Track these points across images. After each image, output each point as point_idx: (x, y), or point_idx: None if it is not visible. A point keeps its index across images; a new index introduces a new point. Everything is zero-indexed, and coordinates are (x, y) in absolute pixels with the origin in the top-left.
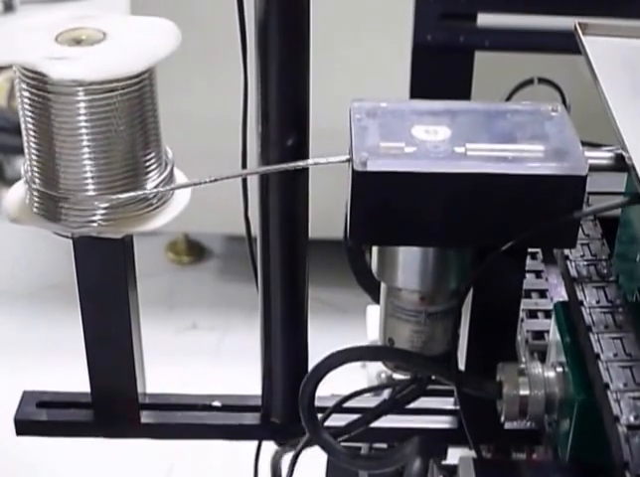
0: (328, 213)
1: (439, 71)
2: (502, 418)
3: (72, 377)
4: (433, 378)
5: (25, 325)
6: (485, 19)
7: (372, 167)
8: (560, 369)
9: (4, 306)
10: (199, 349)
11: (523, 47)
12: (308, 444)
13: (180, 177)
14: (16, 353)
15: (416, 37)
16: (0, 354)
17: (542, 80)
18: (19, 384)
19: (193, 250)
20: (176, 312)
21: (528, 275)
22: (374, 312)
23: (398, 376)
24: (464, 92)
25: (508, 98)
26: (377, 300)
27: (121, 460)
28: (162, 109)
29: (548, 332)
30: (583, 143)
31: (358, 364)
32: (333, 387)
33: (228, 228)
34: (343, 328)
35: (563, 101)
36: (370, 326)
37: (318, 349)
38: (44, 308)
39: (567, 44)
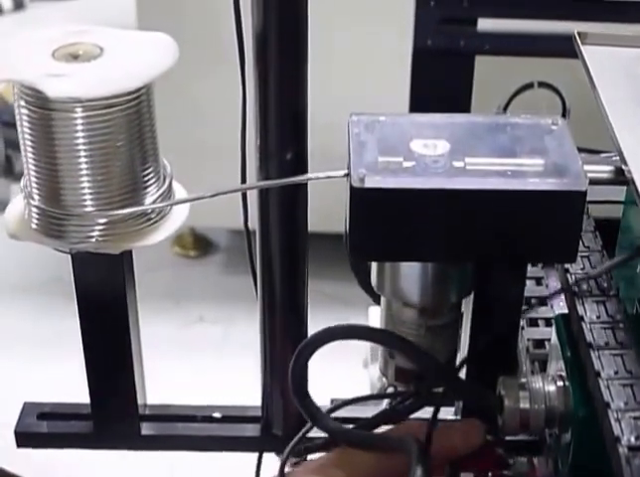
0: (332, 206)
1: (440, 75)
2: (502, 432)
3: (77, 369)
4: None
5: (32, 318)
6: (485, 23)
7: (369, 183)
8: (560, 383)
9: (11, 299)
10: (205, 342)
11: (523, 51)
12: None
13: (179, 190)
14: (23, 344)
15: (417, 41)
16: (8, 345)
17: (542, 84)
18: (27, 374)
19: (199, 244)
20: (182, 306)
21: (528, 282)
22: (376, 313)
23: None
24: (464, 97)
25: (508, 102)
26: (379, 302)
27: (122, 461)
28: (160, 121)
29: (549, 340)
30: (583, 150)
31: (360, 366)
32: (333, 390)
33: (234, 222)
34: (347, 321)
35: (563, 105)
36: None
37: None
38: (50, 301)
39: (568, 48)
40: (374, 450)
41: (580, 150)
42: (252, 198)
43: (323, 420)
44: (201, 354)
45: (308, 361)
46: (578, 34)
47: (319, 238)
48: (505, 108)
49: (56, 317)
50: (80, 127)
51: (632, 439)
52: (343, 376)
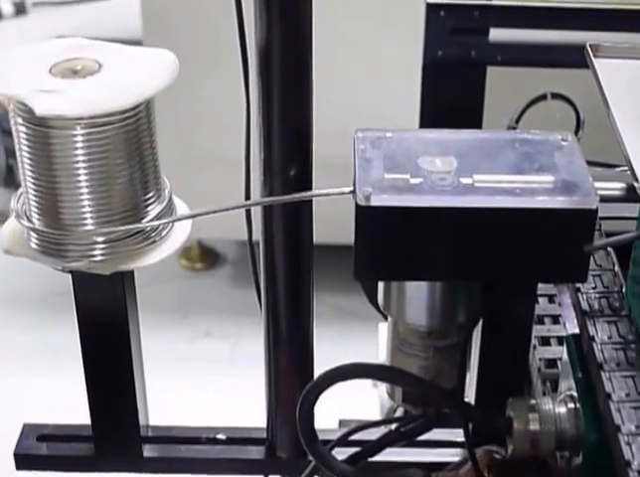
0: (344, 218)
1: (451, 86)
2: (511, 454)
3: (77, 384)
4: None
5: (34, 331)
6: (497, 34)
7: (375, 202)
8: (571, 404)
9: (14, 312)
10: (212, 358)
11: (535, 62)
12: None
13: (180, 206)
14: (26, 357)
15: (427, 52)
16: (11, 358)
17: (555, 96)
18: (28, 387)
19: (206, 257)
20: (189, 320)
21: (540, 300)
22: (385, 331)
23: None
24: (476, 108)
25: (521, 114)
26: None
27: None
28: (163, 134)
29: (560, 359)
30: (598, 163)
31: (369, 385)
32: (343, 409)
33: (241, 233)
34: (359, 335)
35: (578, 117)
36: (381, 344)
37: (334, 354)
38: (52, 314)
39: (581, 58)
40: None
41: (595, 164)
42: (258, 210)
43: (334, 465)
44: (208, 370)
45: (314, 404)
46: (590, 46)
47: (331, 250)
48: (517, 120)
49: (55, 331)
50: (78, 144)
51: None
52: (352, 394)
